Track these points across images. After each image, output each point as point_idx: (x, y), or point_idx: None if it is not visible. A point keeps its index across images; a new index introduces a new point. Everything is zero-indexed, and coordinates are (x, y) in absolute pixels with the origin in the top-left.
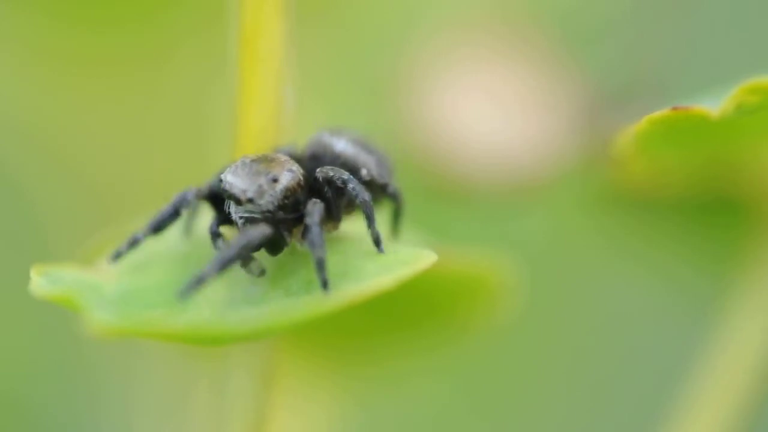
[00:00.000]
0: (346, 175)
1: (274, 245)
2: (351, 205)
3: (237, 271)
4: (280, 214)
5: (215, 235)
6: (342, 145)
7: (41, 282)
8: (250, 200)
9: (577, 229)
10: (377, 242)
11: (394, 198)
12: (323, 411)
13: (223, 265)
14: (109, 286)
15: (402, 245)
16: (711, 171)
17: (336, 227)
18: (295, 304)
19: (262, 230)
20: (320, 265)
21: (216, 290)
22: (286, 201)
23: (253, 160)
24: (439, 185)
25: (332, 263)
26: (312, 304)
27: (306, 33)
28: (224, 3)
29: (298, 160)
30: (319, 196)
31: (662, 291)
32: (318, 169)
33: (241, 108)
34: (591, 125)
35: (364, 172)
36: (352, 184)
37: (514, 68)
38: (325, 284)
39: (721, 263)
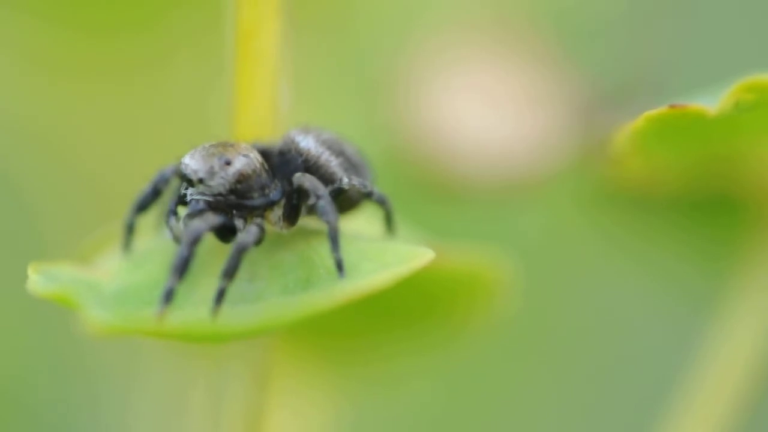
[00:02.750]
0: (321, 190)
1: (222, 232)
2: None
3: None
4: (232, 198)
5: (170, 213)
6: (306, 143)
7: (38, 280)
8: (201, 180)
9: (573, 227)
10: (339, 267)
11: (374, 200)
12: (320, 411)
13: (181, 269)
14: (106, 284)
15: (398, 243)
16: (708, 169)
17: (289, 228)
18: (292, 301)
19: (207, 221)
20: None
21: (212, 288)
22: (238, 185)
23: (212, 145)
24: (435, 183)
25: (328, 262)
26: (308, 302)
27: (302, 34)
28: (222, 6)
29: (266, 153)
30: (286, 196)
31: (659, 289)
32: (296, 175)
33: (238, 109)
34: (587, 123)
35: (345, 181)
36: (323, 202)
37: (510, 67)
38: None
39: (718, 261)
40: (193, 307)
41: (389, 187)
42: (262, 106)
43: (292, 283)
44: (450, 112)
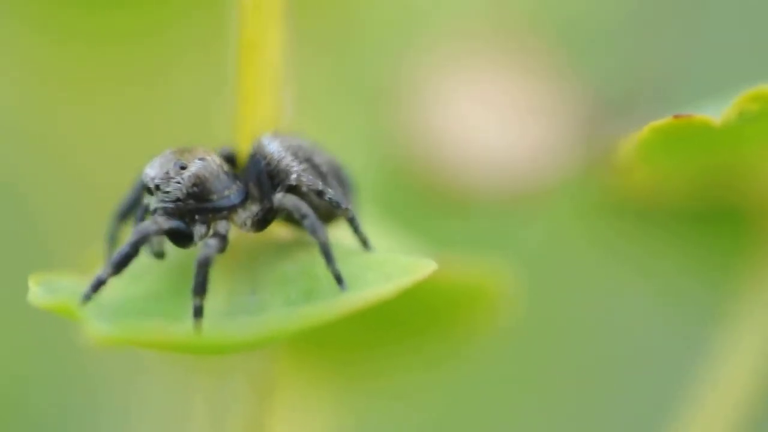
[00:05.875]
0: (304, 209)
1: (178, 238)
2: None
3: (234, 279)
4: (191, 203)
5: (137, 221)
6: (270, 147)
7: (38, 291)
8: (158, 187)
9: (576, 238)
10: (338, 280)
11: (336, 207)
12: (322, 424)
13: (118, 264)
14: (107, 296)
15: (401, 254)
16: (713, 179)
17: (257, 232)
18: (294, 313)
19: (158, 224)
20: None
21: (215, 300)
22: (195, 189)
23: (172, 151)
24: (438, 193)
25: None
26: (311, 313)
27: (306, 43)
28: (226, 15)
29: (233, 157)
30: (262, 208)
31: (663, 300)
32: (276, 197)
33: (241, 117)
34: (591, 133)
35: (293, 177)
36: (309, 221)
37: (513, 76)
38: (338, 279)
39: (722, 272)
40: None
41: (391, 196)
42: (265, 115)
43: (295, 294)
44: (453, 122)
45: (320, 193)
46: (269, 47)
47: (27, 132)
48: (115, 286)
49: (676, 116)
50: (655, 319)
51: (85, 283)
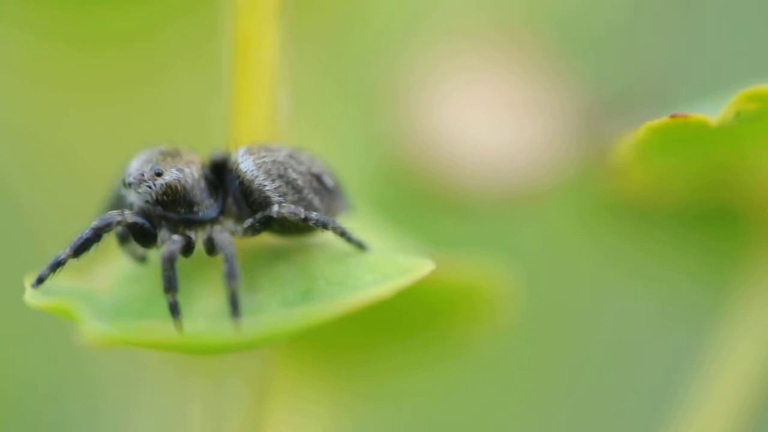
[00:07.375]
0: (228, 250)
1: (141, 237)
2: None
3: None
4: (159, 210)
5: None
6: (244, 165)
7: (35, 292)
8: (130, 185)
9: (574, 238)
10: (233, 303)
11: (312, 225)
12: (319, 425)
13: (77, 247)
14: (104, 296)
15: (399, 254)
16: (710, 179)
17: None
18: (291, 313)
19: (123, 216)
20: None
21: (212, 301)
22: (164, 198)
23: (161, 151)
24: (435, 194)
25: (331, 273)
26: (308, 314)
27: (301, 43)
28: (220, 15)
29: (220, 168)
30: (236, 218)
31: (661, 301)
32: (213, 231)
33: (236, 118)
34: (589, 133)
35: (275, 209)
36: (226, 264)
37: (511, 76)
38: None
39: (720, 273)
40: (192, 319)
41: (389, 197)
42: (260, 116)
43: (292, 294)
44: (450, 122)
45: (305, 220)
46: (264, 47)
47: (25, 132)
48: (111, 286)
49: (672, 116)
50: (654, 319)
51: (82, 284)
